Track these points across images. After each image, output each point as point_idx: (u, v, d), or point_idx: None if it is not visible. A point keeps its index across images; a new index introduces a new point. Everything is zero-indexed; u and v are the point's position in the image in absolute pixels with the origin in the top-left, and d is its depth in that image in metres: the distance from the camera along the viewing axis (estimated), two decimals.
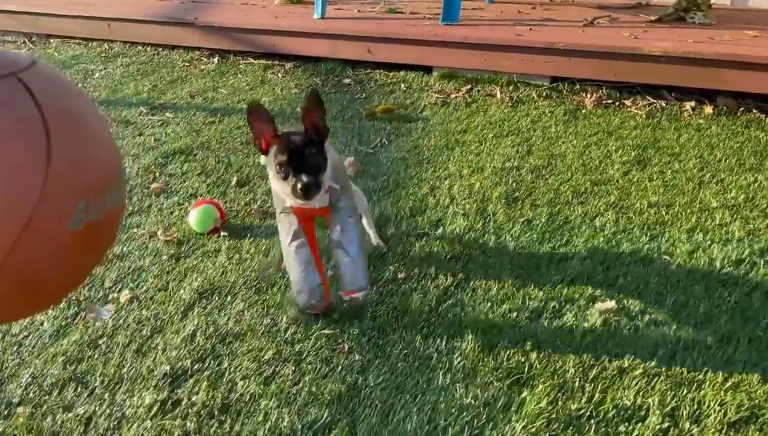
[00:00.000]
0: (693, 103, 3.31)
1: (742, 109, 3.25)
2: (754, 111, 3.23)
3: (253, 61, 4.24)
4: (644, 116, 3.19)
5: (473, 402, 1.42)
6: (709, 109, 3.24)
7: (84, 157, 0.91)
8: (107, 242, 1.05)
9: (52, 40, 4.87)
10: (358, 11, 4.46)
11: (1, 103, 0.83)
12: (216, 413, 1.39)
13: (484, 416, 1.39)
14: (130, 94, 3.62)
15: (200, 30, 4.33)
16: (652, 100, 3.39)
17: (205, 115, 3.28)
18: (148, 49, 4.57)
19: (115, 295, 1.80)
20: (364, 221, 1.95)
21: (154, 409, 1.40)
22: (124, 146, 2.85)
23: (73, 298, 1.78)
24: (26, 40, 4.92)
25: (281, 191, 1.56)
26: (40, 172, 0.83)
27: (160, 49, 4.55)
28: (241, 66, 4.16)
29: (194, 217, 2.13)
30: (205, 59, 4.33)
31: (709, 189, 2.43)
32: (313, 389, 1.46)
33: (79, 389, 1.46)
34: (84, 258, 0.98)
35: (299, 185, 1.45)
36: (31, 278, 0.89)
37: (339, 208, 1.64)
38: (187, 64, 4.25)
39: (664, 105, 3.33)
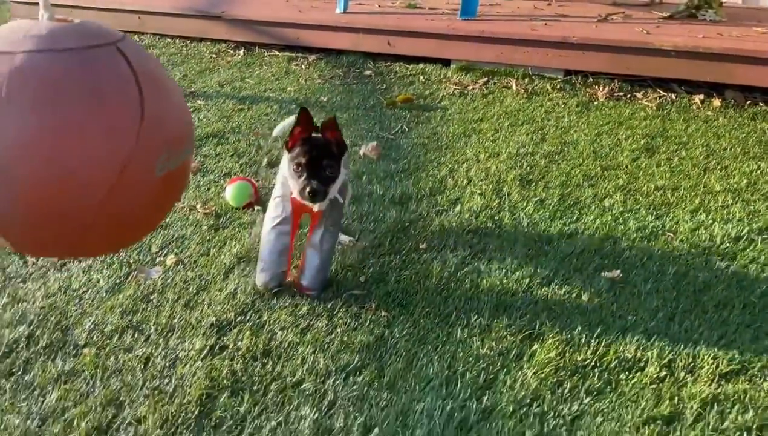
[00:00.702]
0: (702, 96, 3.44)
1: (749, 102, 3.38)
2: (760, 104, 3.35)
3: (277, 53, 4.42)
4: (654, 108, 3.32)
5: (489, 352, 1.58)
6: (717, 102, 3.37)
7: (167, 114, 1.08)
8: (182, 188, 1.23)
9: None
10: (379, 6, 4.62)
11: (106, 66, 1.01)
12: (259, 356, 1.56)
13: (499, 364, 1.54)
14: None
15: (227, 23, 4.50)
16: (662, 93, 3.53)
17: (234, 102, 3.45)
18: (177, 41, 4.76)
19: (162, 259, 1.98)
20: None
21: (204, 352, 1.57)
22: None
23: (124, 260, 1.96)
24: None
25: (291, 185, 1.70)
26: (136, 124, 1.01)
27: (189, 42, 4.73)
28: (266, 58, 4.33)
29: (230, 192, 2.30)
30: (232, 51, 4.50)
31: (714, 175, 2.57)
32: (345, 339, 1.62)
33: (136, 335, 1.63)
34: (166, 199, 1.16)
35: (308, 189, 1.61)
36: (126, 212, 1.06)
37: (329, 217, 1.78)
38: (214, 55, 4.43)
39: (674, 98, 3.46)
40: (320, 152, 1.66)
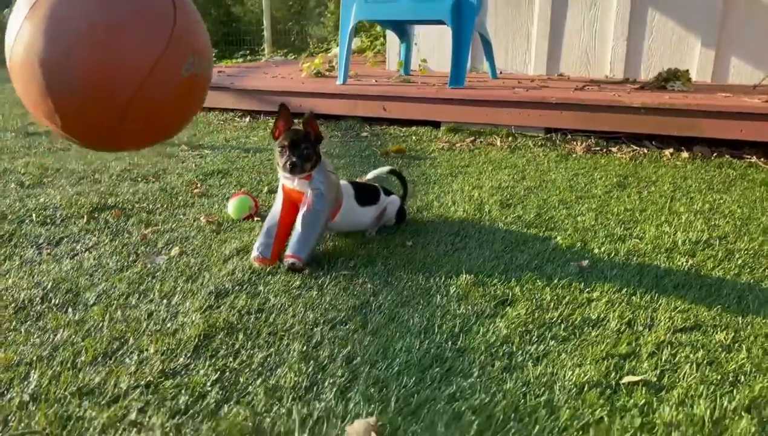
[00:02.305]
0: (671, 150, 3.72)
1: (715, 154, 3.65)
2: (726, 156, 3.62)
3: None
4: (627, 159, 3.59)
5: (465, 311, 1.72)
6: (685, 154, 3.64)
7: (193, 28, 1.35)
8: (203, 96, 1.46)
9: None
10: (376, 81, 5.02)
11: None
12: (253, 312, 1.70)
13: (473, 319, 1.69)
14: (173, 138, 4.10)
15: (234, 93, 4.88)
16: (635, 147, 3.81)
17: (239, 151, 3.73)
18: None
19: (167, 251, 2.15)
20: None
21: (203, 308, 1.72)
22: (169, 169, 3.27)
23: (132, 250, 2.13)
24: None
25: (277, 164, 2.08)
26: (169, 28, 1.26)
27: (198, 111, 5.09)
28: (270, 123, 4.67)
29: (232, 205, 2.51)
30: (238, 119, 4.86)
31: (680, 202, 2.78)
32: (333, 302, 1.77)
33: (141, 298, 1.78)
34: (189, 100, 1.39)
35: (288, 162, 2.02)
36: (158, 100, 1.28)
37: (310, 201, 2.05)
38: (222, 121, 4.77)
39: (645, 151, 3.74)
40: (300, 138, 2.04)
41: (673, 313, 1.74)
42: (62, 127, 1.31)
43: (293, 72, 5.94)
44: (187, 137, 4.13)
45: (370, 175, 2.60)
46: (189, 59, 1.30)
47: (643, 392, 1.37)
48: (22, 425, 1.23)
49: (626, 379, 1.42)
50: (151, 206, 2.63)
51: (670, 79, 4.49)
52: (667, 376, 1.44)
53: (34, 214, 2.47)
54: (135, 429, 1.22)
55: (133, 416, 1.26)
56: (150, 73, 1.24)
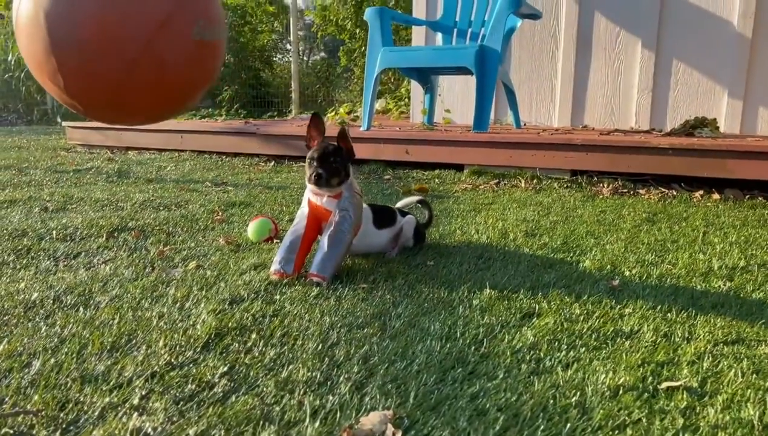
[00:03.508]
0: (701, 192, 3.62)
1: (747, 197, 3.55)
2: (759, 198, 3.52)
3: (304, 164, 4.78)
4: (656, 199, 3.51)
5: (489, 321, 1.63)
6: (716, 196, 3.54)
7: None
8: (213, 63, 1.43)
9: (130, 152, 5.56)
10: (399, 128, 5.05)
11: None
12: (268, 316, 1.63)
13: (498, 328, 1.59)
14: (197, 177, 4.13)
15: (260, 138, 4.94)
16: (663, 190, 3.73)
17: (262, 188, 3.73)
18: (214, 156, 5.19)
19: (184, 265, 2.10)
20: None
21: (216, 311, 1.65)
22: (192, 200, 3.27)
23: (148, 263, 2.09)
24: (108, 151, 5.62)
25: (306, 180, 2.05)
26: None
27: (224, 157, 5.16)
28: (294, 167, 4.70)
29: (252, 227, 2.47)
30: (263, 164, 4.90)
31: (714, 235, 2.68)
32: (351, 309, 1.70)
33: (153, 302, 1.73)
34: (199, 67, 1.36)
35: (314, 174, 1.99)
36: (164, 66, 1.26)
37: (337, 221, 2.00)
38: (247, 165, 4.81)
39: (674, 193, 3.65)
40: (330, 152, 2.01)
41: (712, 328, 1.63)
42: (65, 89, 1.29)
43: None
44: (212, 178, 4.15)
45: (399, 205, 2.56)
46: (199, 23, 1.29)
47: (685, 396, 1.26)
48: (17, 407, 1.16)
49: (665, 384, 1.31)
50: (171, 229, 2.61)
51: (697, 126, 4.44)
52: (709, 382, 1.32)
53: (54, 233, 2.46)
54: (136, 413, 1.14)
55: (135, 401, 1.18)
56: (158, 31, 1.22)
